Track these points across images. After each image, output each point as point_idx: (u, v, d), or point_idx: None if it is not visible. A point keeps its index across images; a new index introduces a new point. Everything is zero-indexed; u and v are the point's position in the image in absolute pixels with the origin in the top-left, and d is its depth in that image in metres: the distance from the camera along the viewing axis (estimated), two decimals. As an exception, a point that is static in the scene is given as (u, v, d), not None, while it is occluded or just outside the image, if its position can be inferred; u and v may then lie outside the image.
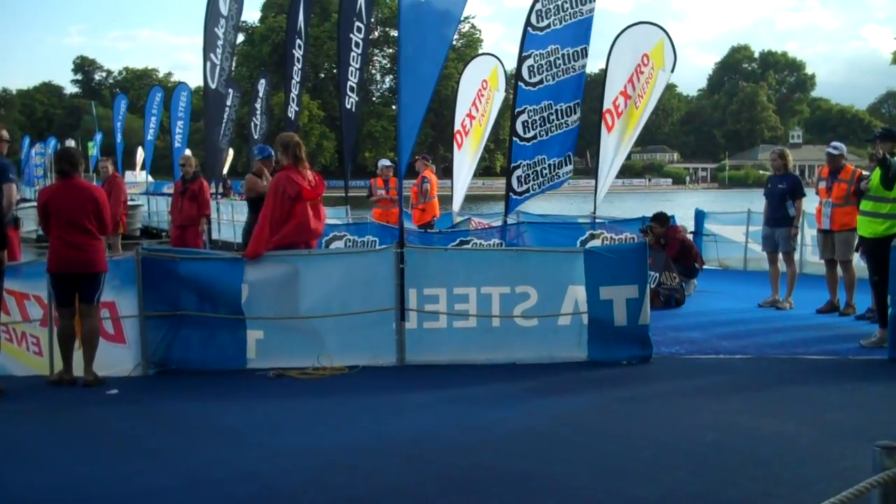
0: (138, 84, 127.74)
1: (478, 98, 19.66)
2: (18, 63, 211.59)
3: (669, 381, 8.60)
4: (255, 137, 27.57)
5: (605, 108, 15.22)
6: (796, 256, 13.60)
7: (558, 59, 14.03)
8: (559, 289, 9.31)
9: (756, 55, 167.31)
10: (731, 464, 6.01)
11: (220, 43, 18.37)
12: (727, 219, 18.68)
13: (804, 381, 8.59)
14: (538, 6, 13.87)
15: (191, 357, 9.34)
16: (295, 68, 21.34)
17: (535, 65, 13.96)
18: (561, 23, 13.97)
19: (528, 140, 14.10)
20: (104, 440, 7.04)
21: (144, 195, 41.45)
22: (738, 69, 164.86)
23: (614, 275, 9.27)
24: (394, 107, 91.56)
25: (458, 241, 14.48)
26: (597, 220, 15.87)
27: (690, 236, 16.00)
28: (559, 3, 13.86)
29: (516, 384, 8.46)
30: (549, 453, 6.38)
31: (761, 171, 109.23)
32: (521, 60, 14.04)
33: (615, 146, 15.45)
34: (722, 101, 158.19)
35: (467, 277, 9.37)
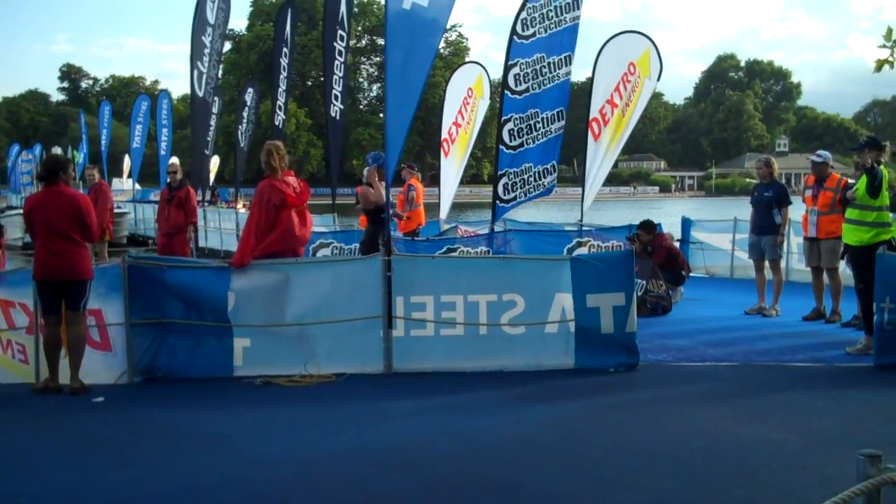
0: (125, 92, 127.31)
1: (464, 106, 19.69)
2: (5, 70, 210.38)
3: (656, 389, 8.62)
4: (241, 145, 27.59)
5: (591, 117, 15.26)
6: (782, 264, 13.64)
7: (544, 67, 14.08)
8: (546, 296, 9.32)
9: (742, 64, 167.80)
10: (717, 471, 6.03)
11: (206, 51, 18.36)
12: (714, 227, 18.74)
13: (790, 388, 8.62)
14: (524, 15, 13.91)
15: (177, 365, 9.30)
16: (282, 76, 21.38)
17: (521, 73, 14.00)
18: (546, 31, 14.02)
19: (514, 148, 14.15)
20: (91, 448, 7.01)
21: (131, 203, 41.36)
22: (724, 78, 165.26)
23: (601, 282, 9.29)
24: (381, 115, 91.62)
25: (445, 248, 14.47)
26: (584, 228, 15.87)
27: (677, 244, 16.04)
28: (544, 11, 13.91)
29: (503, 392, 8.46)
30: (537, 461, 6.38)
31: (748, 180, 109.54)
32: (507, 69, 14.08)
33: (602, 154, 15.48)
34: (708, 110, 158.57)
35: (454, 285, 9.36)
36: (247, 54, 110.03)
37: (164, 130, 30.96)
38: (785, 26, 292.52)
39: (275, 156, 9.83)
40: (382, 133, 10.20)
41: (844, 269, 12.10)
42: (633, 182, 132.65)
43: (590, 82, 15.91)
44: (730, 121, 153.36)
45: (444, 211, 20.53)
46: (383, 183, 12.04)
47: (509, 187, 14.29)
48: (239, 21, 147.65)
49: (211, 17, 18.34)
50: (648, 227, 14.20)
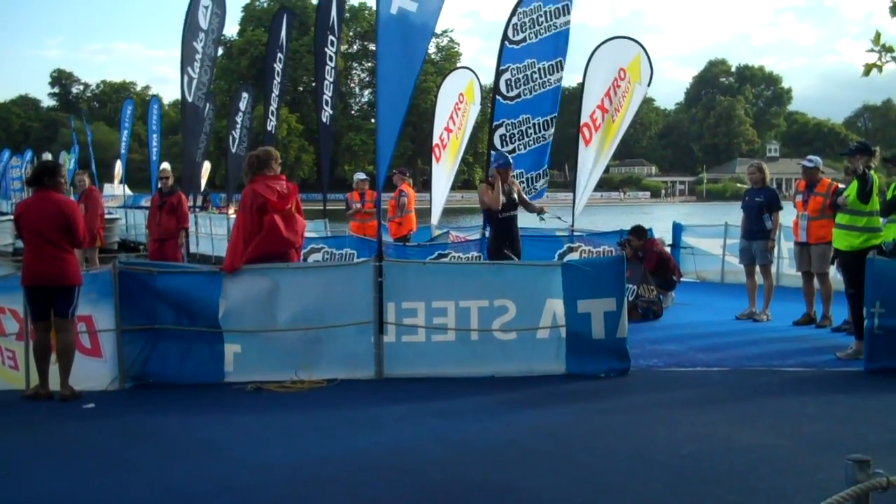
0: (116, 97, 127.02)
1: (455, 111, 19.69)
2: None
3: (647, 394, 8.63)
4: (234, 151, 27.56)
5: (582, 122, 15.25)
6: (773, 269, 13.68)
7: (535, 72, 14.11)
8: (537, 302, 9.33)
9: (733, 69, 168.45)
10: (708, 476, 6.04)
11: (198, 57, 18.32)
12: (705, 232, 18.74)
13: (781, 393, 8.63)
14: (515, 20, 13.95)
15: (168, 371, 9.29)
16: (275, 82, 21.38)
17: (513, 79, 14.04)
18: (537, 36, 14.06)
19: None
20: (81, 454, 6.99)
21: (122, 208, 41.29)
22: (715, 83, 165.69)
23: (592, 288, 9.29)
24: (373, 120, 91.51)
25: (436, 254, 14.49)
26: (575, 234, 15.89)
27: (668, 249, 16.06)
28: (535, 16, 13.95)
29: (495, 397, 8.46)
30: (528, 466, 6.39)
31: (739, 185, 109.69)
32: (498, 74, 14.11)
33: (593, 159, 15.49)
34: (699, 115, 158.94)
35: (446, 291, 9.37)
36: (238, 59, 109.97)
37: (155, 136, 30.90)
38: (775, 31, 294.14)
39: (254, 162, 9.81)
40: (374, 138, 10.19)
41: (835, 274, 12.15)
42: (624, 187, 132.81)
43: (580, 88, 15.94)
44: (720, 126, 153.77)
45: (435, 216, 20.52)
46: (507, 185, 11.98)
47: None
48: (230, 26, 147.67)
49: (204, 22, 18.31)
50: (639, 232, 14.22)
